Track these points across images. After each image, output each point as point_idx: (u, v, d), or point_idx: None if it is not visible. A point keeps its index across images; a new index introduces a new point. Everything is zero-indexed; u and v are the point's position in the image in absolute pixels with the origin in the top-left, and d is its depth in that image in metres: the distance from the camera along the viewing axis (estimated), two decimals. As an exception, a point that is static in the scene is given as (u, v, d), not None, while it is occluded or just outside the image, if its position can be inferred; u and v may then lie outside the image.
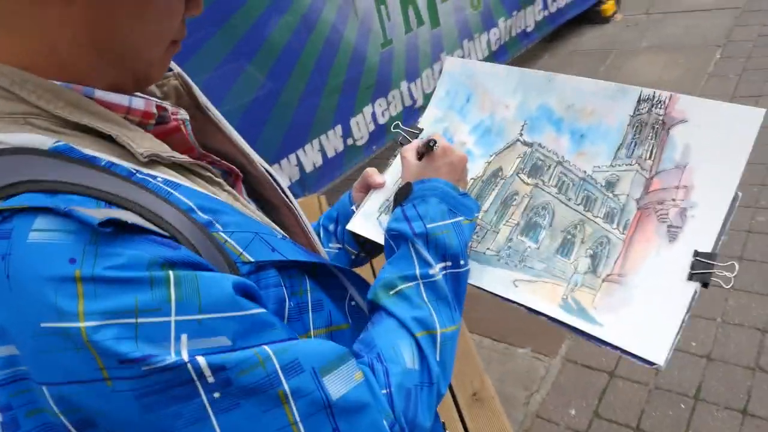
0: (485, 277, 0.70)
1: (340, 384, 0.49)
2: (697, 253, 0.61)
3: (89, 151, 0.49)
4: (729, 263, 0.60)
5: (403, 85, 3.35)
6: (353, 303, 0.67)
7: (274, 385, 0.46)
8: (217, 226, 0.53)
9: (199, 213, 0.53)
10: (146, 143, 0.54)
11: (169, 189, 0.52)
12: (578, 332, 0.63)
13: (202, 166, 0.59)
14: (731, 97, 3.17)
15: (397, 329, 0.60)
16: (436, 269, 0.63)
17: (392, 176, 0.83)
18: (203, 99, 0.69)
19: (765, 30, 3.78)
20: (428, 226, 0.65)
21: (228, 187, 0.60)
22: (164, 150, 0.55)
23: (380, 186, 0.83)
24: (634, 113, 0.71)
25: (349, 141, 3.13)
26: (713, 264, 0.60)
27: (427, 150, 0.72)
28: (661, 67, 3.73)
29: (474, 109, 0.83)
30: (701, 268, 0.61)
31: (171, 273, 0.43)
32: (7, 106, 0.48)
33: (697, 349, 1.93)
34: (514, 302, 0.67)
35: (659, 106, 0.70)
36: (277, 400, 0.46)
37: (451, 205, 0.67)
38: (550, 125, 0.76)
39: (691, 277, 0.61)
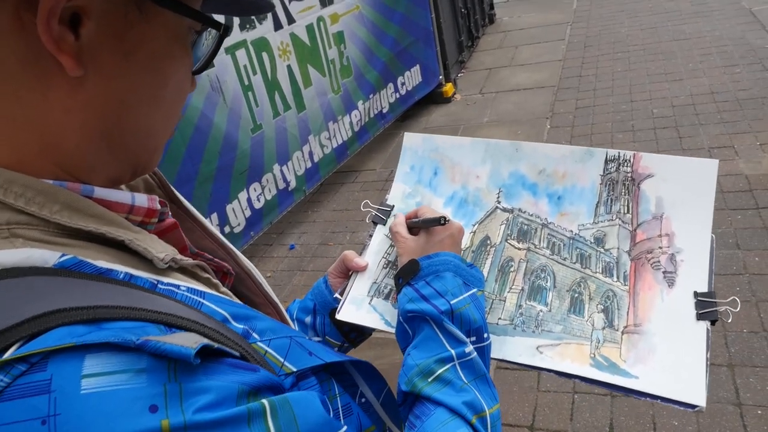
0: (506, 348, 0.69)
1: None
2: (697, 294, 0.67)
3: (102, 263, 0.40)
4: (731, 299, 0.65)
5: (276, 168, 3.32)
6: (363, 400, 0.61)
7: None
8: (254, 335, 0.46)
9: (234, 322, 0.45)
10: (158, 246, 0.46)
11: (197, 298, 0.44)
12: (616, 388, 0.63)
13: (202, 267, 0.52)
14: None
15: (451, 419, 0.55)
16: (470, 346, 0.61)
17: (375, 256, 0.80)
18: (177, 192, 0.62)
19: (580, 104, 4.44)
20: (452, 302, 0.63)
21: (224, 288, 0.53)
22: (175, 253, 0.47)
23: (363, 269, 0.79)
24: (604, 173, 0.77)
25: (226, 229, 2.99)
26: (716, 302, 0.66)
27: (426, 226, 0.70)
28: (505, 137, 4.17)
29: (444, 181, 0.84)
30: (705, 308, 0.66)
31: (265, 402, 0.36)
32: None
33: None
34: (544, 369, 0.66)
35: (625, 164, 0.77)
36: None
37: (464, 277, 0.66)
38: (525, 190, 0.80)
39: (699, 317, 0.65)
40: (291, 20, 3.29)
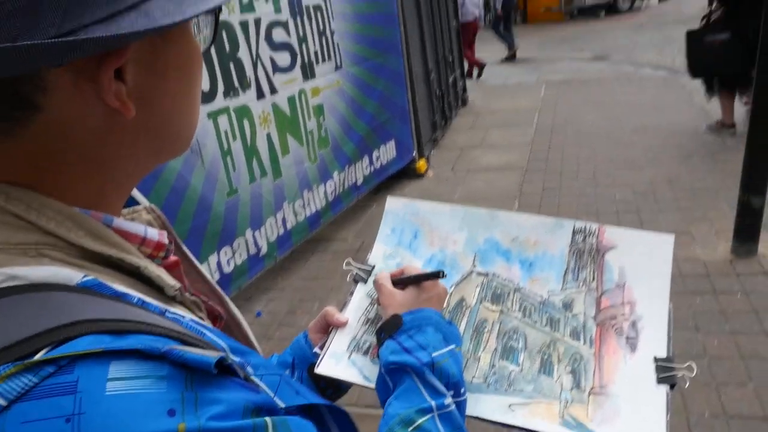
0: (480, 405, 0.71)
1: None
2: (657, 360, 0.71)
3: (118, 287, 0.43)
4: (687, 365, 0.69)
5: (249, 233, 3.33)
6: None
7: None
8: (249, 369, 0.48)
9: (231, 355, 0.48)
10: (167, 277, 0.49)
11: (200, 328, 0.47)
12: None
13: (198, 305, 0.54)
14: (535, 239, 3.73)
15: None
16: (449, 399, 0.63)
17: (356, 313, 0.82)
18: (174, 233, 0.64)
19: (547, 185, 4.63)
20: (433, 354, 0.65)
21: (216, 330, 0.55)
22: (180, 286, 0.50)
23: (343, 325, 0.81)
24: (571, 243, 0.83)
25: (195, 291, 2.95)
26: (674, 367, 0.70)
27: (420, 281, 0.73)
28: (475, 214, 4.29)
29: (423, 244, 0.89)
30: (664, 372, 0.70)
31: (268, 420, 0.38)
32: (17, 235, 0.41)
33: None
34: (515, 427, 0.68)
35: (591, 236, 0.82)
36: None
37: (444, 333, 0.69)
38: (499, 256, 0.84)
39: (659, 381, 0.69)
40: (273, 90, 3.41)
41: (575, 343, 0.75)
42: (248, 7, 3.20)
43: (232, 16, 3.08)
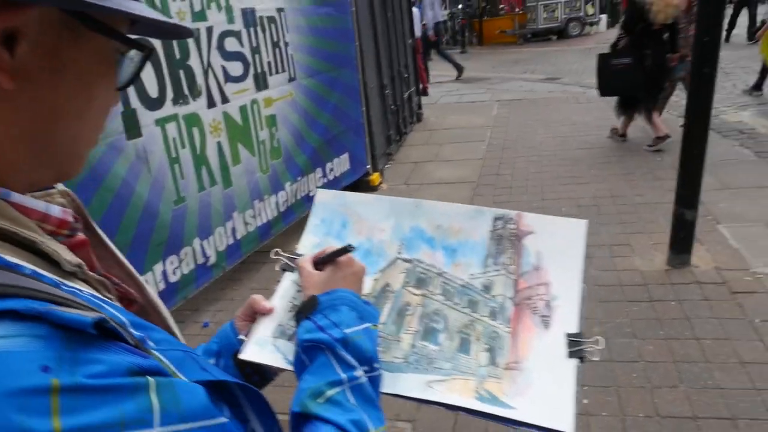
0: (399, 384, 0.72)
1: None
2: (568, 335, 0.74)
3: (10, 258, 0.43)
4: (594, 338, 0.74)
5: (196, 242, 3.28)
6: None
7: None
8: (150, 343, 0.49)
9: (132, 329, 0.48)
10: (66, 253, 0.49)
11: (98, 302, 0.47)
12: (496, 419, 0.68)
13: (105, 285, 0.54)
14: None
15: None
16: (360, 372, 0.65)
17: (282, 300, 0.83)
18: (92, 221, 0.64)
19: (497, 199, 4.74)
20: (345, 331, 0.67)
21: (120, 307, 0.55)
22: (82, 265, 0.50)
23: (269, 312, 0.82)
24: (492, 229, 0.86)
25: (138, 301, 2.87)
26: (582, 341, 0.74)
27: (333, 258, 0.75)
28: (426, 226, 4.35)
29: (351, 233, 0.91)
30: (574, 346, 0.73)
31: (151, 379, 0.39)
32: None
33: None
34: (434, 402, 0.70)
35: (510, 222, 0.86)
36: None
37: (359, 312, 0.71)
38: (424, 243, 0.87)
39: (570, 355, 0.73)
40: (225, 100, 3.40)
41: (493, 323, 0.78)
42: (200, 16, 3.19)
43: (183, 24, 3.06)
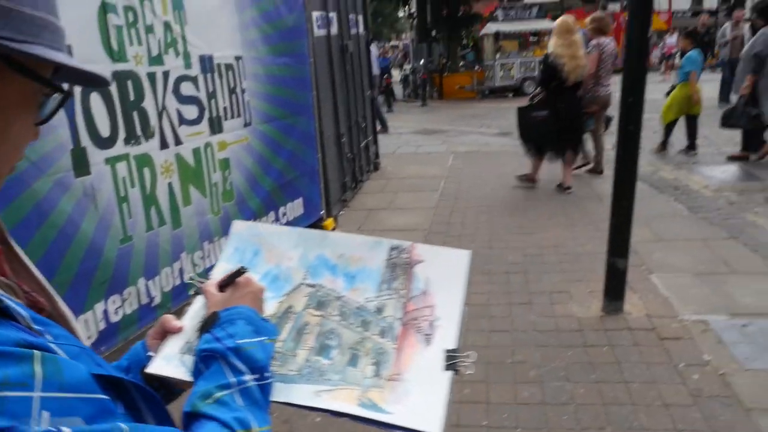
0: (291, 393, 0.80)
1: None
2: (446, 351, 0.83)
3: None
4: (468, 353, 0.83)
5: (141, 282, 3.26)
6: None
7: None
8: (48, 337, 0.55)
9: (32, 324, 0.55)
10: None
11: (2, 297, 0.54)
12: (375, 423, 0.76)
13: (12, 289, 0.61)
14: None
15: (219, 429, 0.64)
16: (249, 377, 0.72)
17: (191, 320, 0.89)
18: (10, 238, 0.71)
19: (447, 246, 4.86)
20: (238, 341, 0.74)
21: (21, 304, 0.61)
22: None
23: (179, 330, 0.88)
24: (388, 258, 0.96)
25: (76, 339, 2.83)
26: (457, 356, 0.83)
27: (233, 279, 0.83)
28: (376, 271, 4.43)
29: (262, 261, 0.99)
30: (450, 360, 0.82)
31: (37, 352, 0.46)
32: None
33: None
34: (320, 409, 0.77)
35: (404, 252, 0.96)
36: None
37: (255, 326, 0.78)
38: (327, 270, 0.96)
39: (446, 367, 0.81)
40: (178, 142, 3.47)
41: (381, 340, 0.86)
42: (157, 60, 3.29)
43: (139, 67, 3.16)
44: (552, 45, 5.92)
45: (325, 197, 5.37)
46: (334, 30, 5.95)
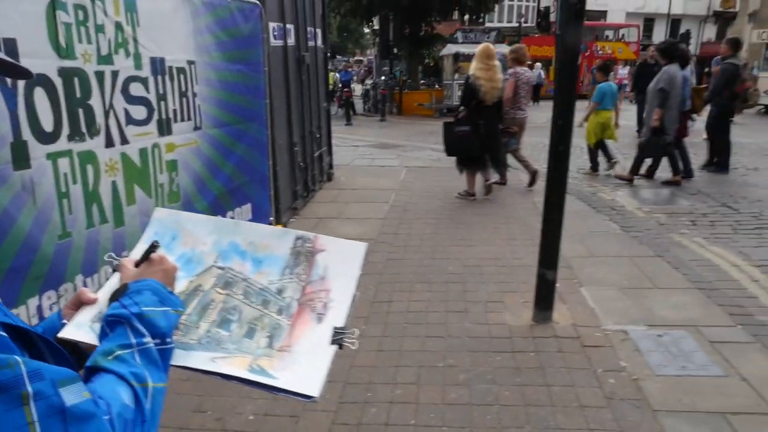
0: (190, 358, 0.89)
1: (73, 395, 0.61)
2: (335, 328, 0.94)
3: None
4: (351, 330, 0.94)
5: (79, 279, 3.25)
6: None
7: (19, 386, 0.57)
8: None
9: None
10: None
11: None
12: (262, 386, 0.86)
13: None
14: (372, 302, 4.01)
15: (116, 380, 0.73)
16: (149, 339, 0.81)
17: (105, 294, 0.97)
18: None
19: (391, 256, 5.01)
20: (142, 308, 0.83)
21: None
22: None
23: (93, 301, 0.96)
24: (293, 246, 1.06)
25: (6, 334, 2.80)
26: (344, 333, 0.94)
27: (147, 255, 0.92)
28: (320, 278, 4.51)
29: (179, 245, 1.07)
30: (336, 336, 0.93)
31: None
32: None
33: None
34: (213, 373, 0.87)
35: (308, 242, 1.07)
36: (20, 400, 0.56)
37: (161, 297, 0.87)
38: (237, 255, 1.06)
39: (332, 342, 0.92)
40: (125, 141, 3.48)
41: (278, 317, 0.96)
42: (106, 59, 3.31)
43: (87, 65, 3.17)
44: (473, 68, 6.57)
45: (275, 204, 5.42)
46: (291, 41, 6.06)
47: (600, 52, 25.00)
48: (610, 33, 28.93)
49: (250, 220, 5.00)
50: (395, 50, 21.43)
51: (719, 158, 8.41)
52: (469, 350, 3.38)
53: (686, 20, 41.61)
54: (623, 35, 28.63)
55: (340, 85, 17.78)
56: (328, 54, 9.16)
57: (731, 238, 5.49)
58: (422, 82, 21.10)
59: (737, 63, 8.22)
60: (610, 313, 3.84)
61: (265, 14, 5.10)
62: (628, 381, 3.04)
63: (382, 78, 18.67)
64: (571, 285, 4.29)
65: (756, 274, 4.58)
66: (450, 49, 19.01)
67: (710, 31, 41.76)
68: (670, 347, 3.37)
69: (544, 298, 3.70)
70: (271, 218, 5.35)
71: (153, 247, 0.93)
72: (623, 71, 21.20)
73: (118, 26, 3.42)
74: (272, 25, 5.53)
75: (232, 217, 4.73)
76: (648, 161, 7.86)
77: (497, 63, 6.58)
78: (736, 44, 8.47)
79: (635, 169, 7.77)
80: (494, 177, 7.15)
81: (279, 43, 5.76)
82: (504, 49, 20.80)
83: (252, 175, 4.98)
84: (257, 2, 4.93)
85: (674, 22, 39.74)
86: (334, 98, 13.64)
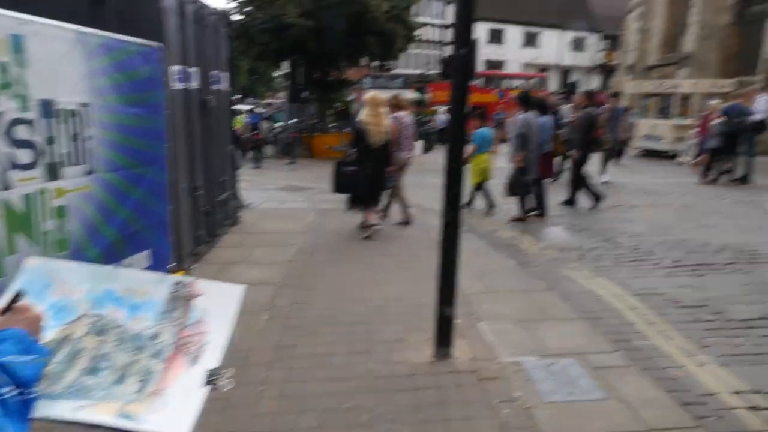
0: (53, 408, 0.89)
1: None
2: (208, 370, 0.98)
3: None
4: (225, 371, 0.98)
5: (-51, 336, 2.99)
6: None
7: None
8: None
9: None
10: None
11: None
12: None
13: None
14: (276, 347, 3.97)
15: None
16: (10, 389, 0.80)
17: None
18: None
19: (297, 299, 5.00)
20: (3, 359, 0.83)
21: None
22: None
23: None
24: (171, 291, 1.09)
25: None
26: (217, 374, 0.97)
27: (11, 304, 0.91)
28: (224, 324, 4.40)
29: (51, 293, 1.07)
30: (210, 377, 0.97)
31: None
32: None
33: None
34: (77, 423, 0.87)
35: (186, 286, 1.10)
36: None
37: (24, 346, 0.87)
38: (111, 302, 1.07)
39: (205, 384, 0.96)
40: (7, 187, 3.29)
41: (152, 362, 0.98)
42: (-12, 102, 3.16)
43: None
44: (361, 114, 7.25)
45: (175, 250, 5.26)
46: (195, 84, 6.02)
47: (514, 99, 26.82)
48: (520, 82, 31.70)
49: (148, 267, 4.81)
50: (305, 94, 21.73)
51: (571, 194, 9.49)
52: (373, 390, 3.43)
53: (575, 71, 45.55)
54: (534, 83, 31.45)
55: (251, 128, 17.70)
56: (239, 96, 9.13)
57: (613, 271, 5.99)
58: (332, 125, 21.45)
59: (592, 112, 9.28)
60: (506, 345, 4.05)
61: (167, 57, 5.06)
62: (521, 410, 3.21)
63: (294, 120, 18.80)
64: (471, 320, 4.48)
65: (634, 302, 5.01)
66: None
67: (596, 81, 45.99)
68: (559, 375, 3.60)
69: (444, 335, 3.84)
70: (171, 264, 5.17)
71: (17, 296, 0.93)
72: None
73: (4, 66, 3.28)
74: (175, 68, 5.49)
75: (130, 265, 4.54)
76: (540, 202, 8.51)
77: (383, 110, 7.22)
78: (590, 95, 9.93)
79: (523, 208, 8.42)
80: (378, 217, 7.71)
81: (182, 86, 5.71)
82: (411, 94, 21.76)
83: (150, 220, 4.82)
84: (159, 45, 4.89)
85: (565, 72, 43.38)
86: (239, 141, 13.39)
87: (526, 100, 8.29)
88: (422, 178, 13.55)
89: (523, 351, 3.97)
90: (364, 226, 7.41)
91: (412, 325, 4.43)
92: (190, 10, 5.82)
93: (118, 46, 4.38)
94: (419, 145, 21.05)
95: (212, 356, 0.99)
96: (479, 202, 9.16)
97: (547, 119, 8.93)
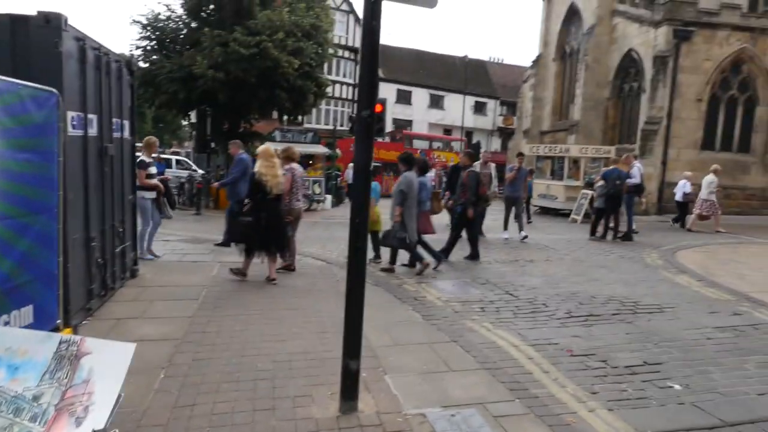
0: None
1: None
2: (94, 430, 0.94)
3: None
4: (113, 431, 0.95)
5: None
6: None
7: None
8: None
9: None
10: None
11: None
12: None
13: None
14: (173, 407, 3.76)
15: None
16: None
17: None
18: None
19: (198, 356, 4.78)
20: None
21: None
22: None
23: None
24: (56, 350, 1.05)
25: None
26: (104, 433, 0.94)
27: None
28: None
29: None
30: (95, 438, 0.93)
31: None
32: None
33: None
34: None
35: (73, 345, 1.06)
36: None
37: None
38: (-12, 363, 1.01)
39: (92, 445, 0.92)
40: None
41: (31, 425, 0.94)
42: None
43: None
44: (257, 166, 7.51)
45: (63, 305, 4.89)
46: (93, 131, 5.79)
47: (436, 160, 29.30)
48: (440, 144, 34.45)
49: (30, 324, 4.43)
50: (213, 144, 21.36)
51: (472, 249, 10.03)
52: (275, 449, 3.32)
53: (477, 132, 48.34)
54: (452, 146, 34.18)
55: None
56: (142, 145, 8.87)
57: (512, 322, 6.27)
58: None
59: (477, 171, 10.12)
60: (411, 397, 4.09)
61: (62, 103, 4.85)
62: (425, 462, 3.23)
63: (200, 171, 18.35)
64: (377, 373, 4.50)
65: (531, 352, 5.26)
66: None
67: (497, 143, 49.03)
68: (461, 425, 3.68)
69: (349, 389, 3.82)
70: (58, 321, 4.79)
71: None
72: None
73: None
74: (71, 114, 5.27)
75: (7, 323, 4.15)
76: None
77: (276, 161, 7.65)
78: (472, 156, 10.70)
79: (413, 260, 8.85)
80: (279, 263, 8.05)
81: (79, 132, 5.48)
82: (322, 149, 22.02)
83: (36, 273, 4.48)
84: (53, 90, 4.69)
85: (468, 133, 45.86)
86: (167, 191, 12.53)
87: (409, 160, 8.78)
88: (333, 231, 13.72)
89: (428, 403, 4.02)
90: (269, 279, 7.60)
91: (318, 379, 4.37)
92: (92, 55, 5.66)
93: (8, 90, 4.18)
94: (329, 199, 21.24)
95: (99, 417, 0.96)
96: (385, 255, 9.29)
97: (427, 178, 9.59)
